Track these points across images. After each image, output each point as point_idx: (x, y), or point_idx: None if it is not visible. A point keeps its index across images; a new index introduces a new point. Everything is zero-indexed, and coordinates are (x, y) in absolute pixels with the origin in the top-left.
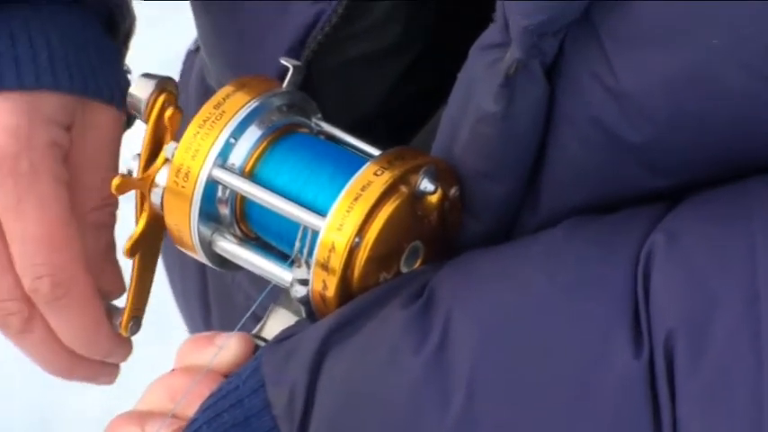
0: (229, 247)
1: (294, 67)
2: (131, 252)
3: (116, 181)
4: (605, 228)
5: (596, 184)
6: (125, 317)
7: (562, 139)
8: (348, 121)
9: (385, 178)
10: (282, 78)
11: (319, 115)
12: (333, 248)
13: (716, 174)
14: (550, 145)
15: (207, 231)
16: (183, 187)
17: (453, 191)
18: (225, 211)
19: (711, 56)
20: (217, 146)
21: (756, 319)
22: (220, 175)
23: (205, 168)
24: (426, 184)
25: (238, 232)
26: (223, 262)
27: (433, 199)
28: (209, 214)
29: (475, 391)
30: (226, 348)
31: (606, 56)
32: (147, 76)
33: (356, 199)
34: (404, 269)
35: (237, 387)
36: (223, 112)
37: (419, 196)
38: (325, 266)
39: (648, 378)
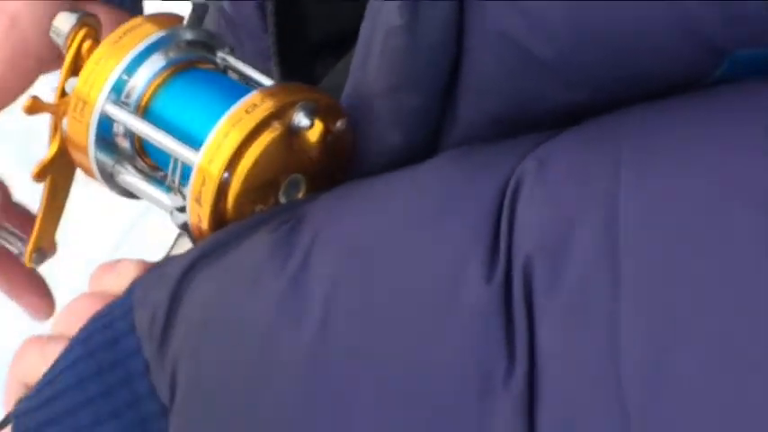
0: (128, 177)
1: (194, 4)
2: (39, 175)
3: (27, 102)
4: (486, 153)
5: (512, 95)
6: (30, 246)
7: (474, 52)
8: (325, 35)
9: (257, 114)
10: None
11: (227, 49)
12: (204, 183)
13: (634, 91)
14: (464, 57)
15: (108, 162)
16: (80, 120)
17: (339, 124)
18: (125, 144)
19: None
20: (110, 82)
21: (614, 239)
22: (112, 110)
23: (98, 103)
24: (301, 119)
25: (142, 165)
26: (127, 191)
27: (311, 134)
28: (107, 146)
29: (329, 315)
30: (123, 274)
31: None
32: (70, 10)
33: (226, 135)
34: (283, 200)
35: (112, 310)
36: (121, 46)
37: (295, 131)
38: (198, 200)
39: (503, 302)
